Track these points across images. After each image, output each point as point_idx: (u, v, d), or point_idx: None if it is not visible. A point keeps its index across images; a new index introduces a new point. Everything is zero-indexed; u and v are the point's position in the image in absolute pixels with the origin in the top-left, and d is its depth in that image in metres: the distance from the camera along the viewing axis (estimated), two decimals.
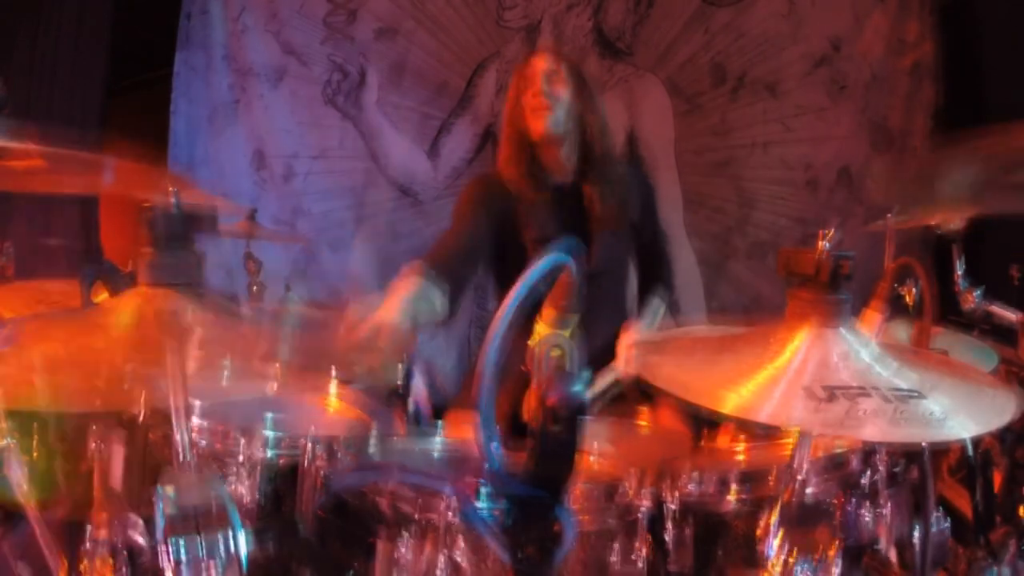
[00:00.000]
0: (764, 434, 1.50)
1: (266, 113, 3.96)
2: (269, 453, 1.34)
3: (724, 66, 3.87)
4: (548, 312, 1.06)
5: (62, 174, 1.56)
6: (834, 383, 0.95)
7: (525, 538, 1.03)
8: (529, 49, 3.89)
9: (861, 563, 1.12)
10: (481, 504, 1.08)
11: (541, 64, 2.18)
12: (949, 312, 2.16)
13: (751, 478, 1.24)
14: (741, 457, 1.46)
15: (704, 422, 1.85)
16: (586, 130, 2.18)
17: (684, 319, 3.96)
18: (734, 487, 1.24)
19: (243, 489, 1.29)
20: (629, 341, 2.00)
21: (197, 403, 1.33)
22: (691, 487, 1.25)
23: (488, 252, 2.23)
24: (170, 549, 0.90)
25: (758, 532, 1.03)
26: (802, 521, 1.01)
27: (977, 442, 1.76)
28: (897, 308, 1.41)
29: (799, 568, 0.98)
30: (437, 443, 1.48)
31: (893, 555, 1.24)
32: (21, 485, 1.44)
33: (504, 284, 2.41)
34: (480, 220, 2.22)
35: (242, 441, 1.35)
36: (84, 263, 1.11)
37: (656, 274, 2.32)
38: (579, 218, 2.19)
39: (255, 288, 2.94)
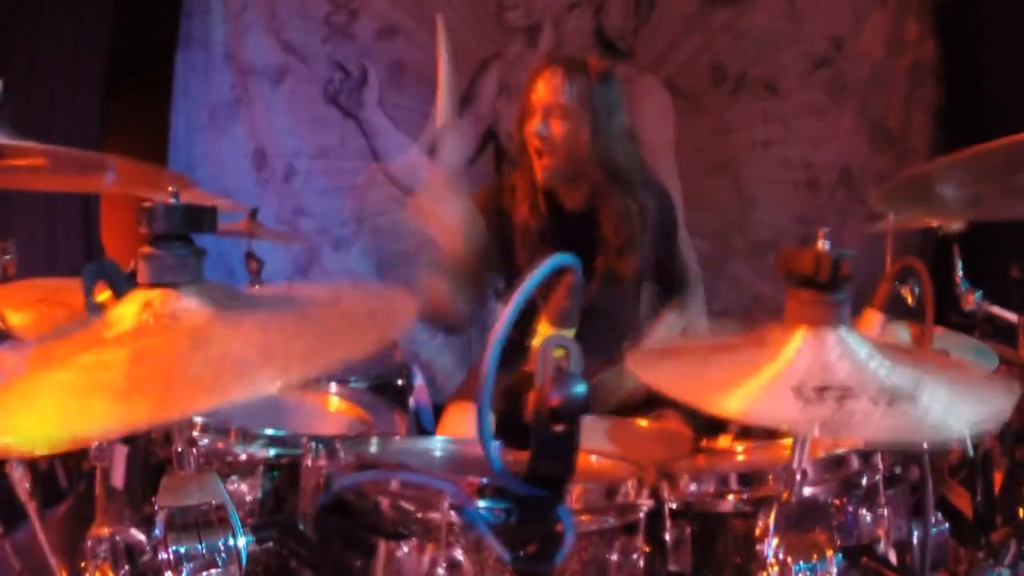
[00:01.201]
0: (765, 435, 1.51)
1: (267, 112, 3.97)
2: (270, 452, 1.34)
3: (724, 66, 3.87)
4: (551, 312, 1.07)
5: (63, 174, 1.56)
6: (833, 383, 0.95)
7: (525, 538, 1.04)
8: (531, 50, 3.89)
9: (860, 564, 1.12)
10: (482, 504, 1.08)
11: (543, 95, 1.95)
12: (950, 312, 2.16)
13: (751, 478, 1.24)
14: (741, 457, 1.47)
15: (706, 423, 1.86)
16: (597, 157, 1.98)
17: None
18: (734, 487, 1.24)
19: (243, 489, 1.30)
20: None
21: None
22: (691, 487, 1.25)
23: (491, 261, 2.15)
24: (170, 549, 0.91)
25: (757, 532, 1.03)
26: (801, 521, 1.01)
27: (978, 442, 1.76)
28: (898, 308, 1.41)
29: (798, 569, 0.98)
30: (437, 443, 1.48)
31: (892, 556, 1.24)
32: (23, 483, 1.44)
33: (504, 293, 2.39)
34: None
35: (242, 440, 1.35)
36: (86, 262, 1.11)
37: (669, 289, 2.18)
38: (582, 246, 2.08)
39: (256, 288, 2.95)
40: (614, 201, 2.00)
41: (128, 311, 0.91)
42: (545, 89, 1.97)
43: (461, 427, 1.97)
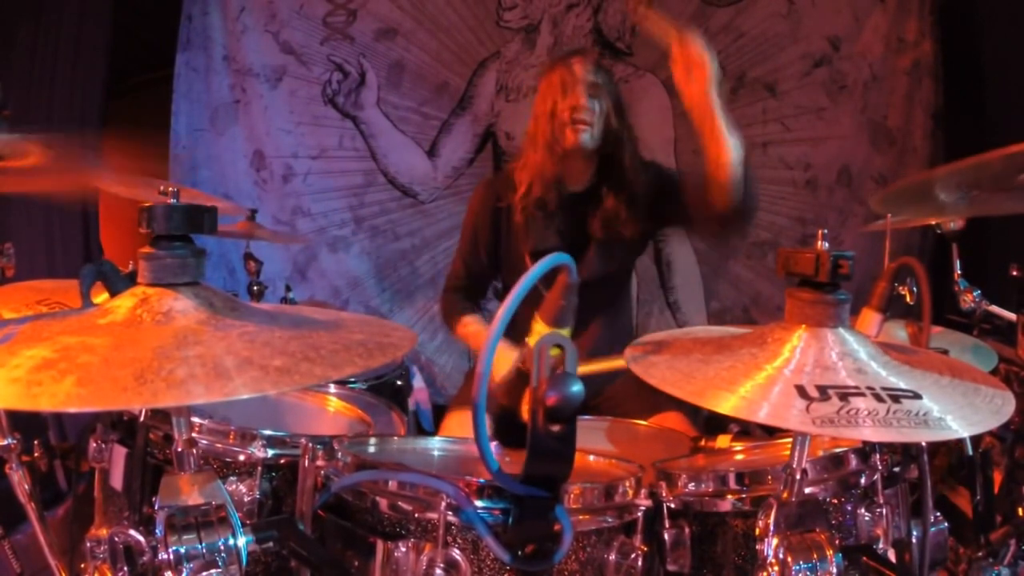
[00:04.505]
0: (764, 435, 1.51)
1: (266, 113, 3.97)
2: (269, 452, 1.34)
3: (723, 66, 3.84)
4: (546, 311, 1.07)
5: (62, 174, 1.56)
6: (831, 383, 0.95)
7: (523, 538, 1.04)
8: (529, 50, 3.89)
9: (859, 563, 1.12)
10: (480, 504, 1.08)
11: (583, 72, 2.10)
12: (949, 311, 2.16)
13: (750, 478, 1.24)
14: (740, 457, 1.47)
15: (706, 423, 1.86)
16: (614, 143, 2.13)
17: (684, 319, 3.97)
18: (732, 487, 1.24)
19: (242, 490, 1.30)
20: None
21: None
22: (689, 486, 1.25)
23: (493, 258, 2.26)
24: (170, 549, 0.91)
25: (756, 532, 1.02)
26: (800, 521, 1.01)
27: (977, 441, 1.76)
28: (897, 307, 1.41)
29: (797, 568, 0.97)
30: (437, 443, 1.48)
31: (892, 555, 1.24)
32: (22, 484, 1.45)
33: (504, 289, 2.41)
34: (480, 231, 2.26)
35: (242, 441, 1.35)
36: (84, 263, 1.11)
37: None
38: (581, 226, 2.14)
39: (255, 288, 2.94)
40: (616, 182, 2.14)
41: (125, 304, 0.91)
42: (583, 69, 2.11)
43: (462, 434, 1.98)
